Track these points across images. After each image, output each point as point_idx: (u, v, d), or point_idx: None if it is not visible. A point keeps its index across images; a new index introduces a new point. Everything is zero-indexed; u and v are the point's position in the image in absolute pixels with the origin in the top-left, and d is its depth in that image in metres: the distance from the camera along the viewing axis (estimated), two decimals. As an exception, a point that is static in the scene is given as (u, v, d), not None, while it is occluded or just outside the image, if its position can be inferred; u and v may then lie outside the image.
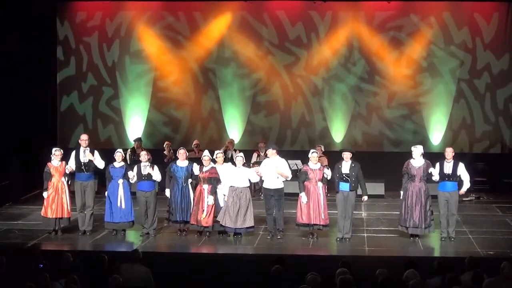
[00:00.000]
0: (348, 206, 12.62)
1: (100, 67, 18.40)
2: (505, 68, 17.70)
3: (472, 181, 16.09)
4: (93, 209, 13.20)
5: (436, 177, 12.55)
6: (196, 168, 12.92)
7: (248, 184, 12.95)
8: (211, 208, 12.73)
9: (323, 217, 12.57)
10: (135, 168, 12.99)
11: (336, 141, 18.01)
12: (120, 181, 12.87)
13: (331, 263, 9.95)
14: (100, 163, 13.21)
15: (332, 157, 15.09)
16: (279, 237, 12.78)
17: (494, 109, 17.81)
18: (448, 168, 12.56)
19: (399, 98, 17.99)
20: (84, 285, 8.44)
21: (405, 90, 17.96)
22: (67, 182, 13.11)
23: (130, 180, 12.93)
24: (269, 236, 12.82)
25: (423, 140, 17.31)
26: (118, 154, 13.06)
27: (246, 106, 18.29)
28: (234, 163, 13.18)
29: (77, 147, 13.41)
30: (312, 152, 12.86)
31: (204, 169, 12.84)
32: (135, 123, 18.39)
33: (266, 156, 14.21)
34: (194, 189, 12.94)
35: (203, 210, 12.69)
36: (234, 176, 12.77)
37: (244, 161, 13.19)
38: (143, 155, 13.12)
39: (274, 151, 12.97)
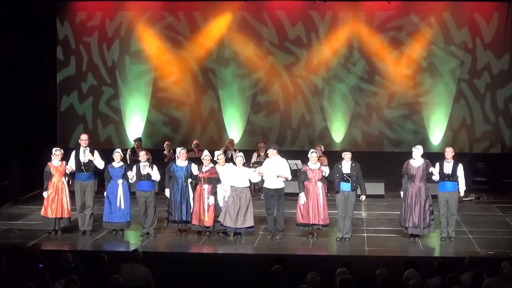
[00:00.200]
0: (349, 206, 12.62)
1: (100, 67, 18.40)
2: (505, 68, 17.70)
3: (472, 181, 16.22)
4: (93, 209, 13.20)
5: (436, 176, 12.55)
6: (194, 168, 12.91)
7: (248, 184, 12.96)
8: (212, 208, 12.74)
9: (322, 217, 12.57)
10: (134, 168, 13.00)
11: (336, 141, 18.01)
12: (120, 181, 12.87)
13: (331, 263, 9.95)
14: (100, 163, 13.21)
15: (332, 157, 15.08)
16: (278, 237, 12.78)
17: (494, 109, 17.80)
18: (448, 168, 12.55)
19: (399, 98, 17.98)
20: (84, 285, 8.44)
21: (405, 90, 17.96)
22: (68, 182, 13.11)
23: (129, 180, 12.93)
24: (269, 236, 12.82)
25: (423, 140, 17.31)
26: (117, 154, 13.06)
27: (246, 106, 18.29)
28: (234, 163, 13.18)
29: (77, 147, 13.42)
30: (312, 152, 12.86)
31: (204, 169, 12.84)
32: (135, 123, 18.39)
33: (266, 156, 14.23)
34: (194, 189, 12.94)
35: (205, 211, 12.69)
36: (234, 176, 12.77)
37: (244, 161, 13.20)
38: (142, 155, 13.13)
39: (275, 151, 12.97)
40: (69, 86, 18.47)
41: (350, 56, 18.01)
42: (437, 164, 12.63)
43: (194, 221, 12.81)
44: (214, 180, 12.79)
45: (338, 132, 18.09)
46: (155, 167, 13.03)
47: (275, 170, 12.79)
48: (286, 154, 14.16)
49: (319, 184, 12.63)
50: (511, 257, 10.92)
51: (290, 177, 12.97)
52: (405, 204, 12.57)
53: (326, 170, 12.93)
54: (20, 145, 16.58)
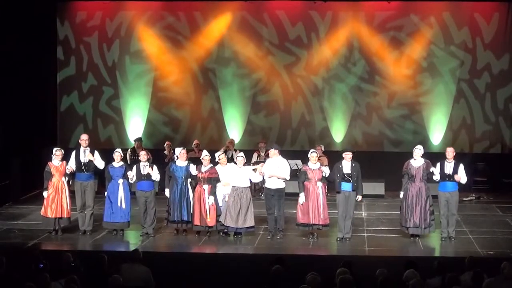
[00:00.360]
0: (349, 206, 12.62)
1: (100, 67, 18.40)
2: (505, 68, 17.69)
3: (472, 181, 16.20)
4: (93, 209, 13.20)
5: (437, 176, 12.55)
6: (193, 168, 12.91)
7: (249, 184, 12.97)
8: (213, 208, 12.74)
9: (322, 217, 12.57)
10: (134, 167, 13.00)
11: (336, 141, 18.00)
12: (120, 181, 12.87)
13: (331, 263, 9.97)
14: (100, 163, 13.21)
15: (332, 157, 15.09)
16: (279, 237, 12.78)
17: (494, 109, 17.80)
18: (448, 168, 12.55)
19: (399, 98, 17.98)
20: (84, 285, 8.44)
21: (405, 90, 17.96)
22: (68, 182, 13.11)
23: (129, 180, 12.93)
24: (269, 236, 12.82)
25: (423, 140, 17.31)
26: (117, 154, 13.07)
27: (246, 106, 18.29)
28: (235, 163, 13.19)
29: (77, 147, 13.43)
30: (312, 152, 12.87)
31: (204, 169, 12.83)
32: (135, 123, 18.38)
33: (266, 156, 14.23)
34: (193, 189, 12.94)
35: (207, 211, 12.69)
36: (235, 176, 12.77)
37: (245, 160, 13.20)
38: (143, 155, 13.14)
39: (277, 151, 12.97)
40: (69, 86, 18.47)
41: (350, 56, 18.01)
42: (438, 164, 12.63)
43: (196, 222, 12.81)
44: (213, 180, 12.80)
45: (338, 132, 18.08)
46: (155, 167, 13.04)
47: (273, 170, 12.79)
48: (286, 154, 14.15)
49: (319, 184, 12.63)
50: (511, 257, 10.91)
51: (287, 178, 12.94)
52: (405, 204, 12.57)
53: (326, 170, 12.92)
54: (20, 145, 16.58)
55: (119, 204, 12.86)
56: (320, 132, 18.14)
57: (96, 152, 13.24)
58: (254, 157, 16.65)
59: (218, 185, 12.88)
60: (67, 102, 18.47)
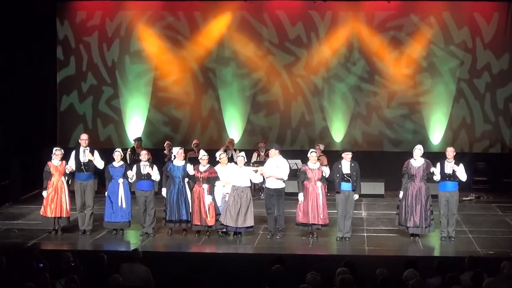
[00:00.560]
0: (349, 206, 12.62)
1: (100, 66, 18.39)
2: (505, 68, 17.69)
3: (472, 181, 16.20)
4: (93, 209, 13.20)
5: (437, 176, 12.55)
6: (190, 168, 12.90)
7: (250, 184, 12.96)
8: (213, 207, 12.74)
9: (321, 217, 12.57)
10: (135, 167, 13.00)
11: (336, 140, 18.00)
12: (120, 180, 12.87)
13: (331, 262, 9.97)
14: (99, 163, 13.21)
15: (332, 157, 15.08)
16: (278, 236, 12.78)
17: (494, 108, 17.80)
18: (449, 168, 12.55)
19: (399, 97, 17.98)
20: (84, 285, 8.44)
21: (405, 90, 17.96)
22: (68, 181, 13.11)
23: (129, 179, 12.93)
24: (269, 235, 12.82)
25: (423, 140, 17.30)
26: (117, 154, 13.07)
27: (246, 105, 18.29)
28: (234, 163, 13.18)
29: (77, 147, 13.42)
30: (311, 152, 12.86)
31: (203, 168, 12.83)
32: (135, 122, 18.38)
33: (266, 156, 14.22)
34: (191, 188, 12.93)
35: (207, 210, 12.69)
36: (236, 175, 12.77)
37: (246, 160, 13.20)
38: (144, 155, 13.12)
39: (277, 151, 12.97)
40: (69, 86, 18.46)
41: (350, 56, 18.01)
42: (438, 164, 12.63)
43: (196, 221, 12.80)
44: (212, 180, 12.80)
45: (338, 132, 18.08)
46: (155, 167, 13.03)
47: (271, 171, 12.79)
48: (286, 153, 14.16)
49: (319, 183, 12.63)
50: (511, 257, 10.91)
51: (285, 178, 12.92)
52: (405, 203, 12.57)
53: (326, 171, 12.90)
54: (20, 145, 16.58)
55: (119, 204, 12.86)
56: (320, 132, 18.14)
57: (95, 152, 13.24)
58: (254, 157, 16.65)
59: (217, 183, 12.87)
60: (67, 102, 18.47)
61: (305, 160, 13.13)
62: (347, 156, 12.69)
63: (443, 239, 12.62)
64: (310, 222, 12.59)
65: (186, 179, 12.94)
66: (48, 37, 18.01)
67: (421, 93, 17.93)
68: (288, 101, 18.21)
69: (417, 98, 17.95)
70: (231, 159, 14.79)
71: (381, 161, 17.18)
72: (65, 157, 13.15)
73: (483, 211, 15.38)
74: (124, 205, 12.87)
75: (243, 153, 13.28)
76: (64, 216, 12.97)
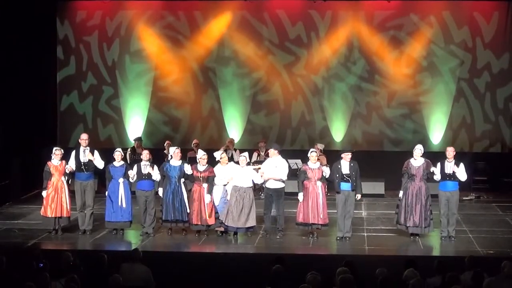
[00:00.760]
0: (349, 206, 12.63)
1: (100, 66, 18.39)
2: (505, 67, 17.69)
3: (472, 180, 16.20)
4: (93, 209, 13.21)
5: (438, 176, 12.55)
6: (188, 167, 12.89)
7: (251, 184, 12.94)
8: (212, 206, 12.74)
9: (321, 217, 12.57)
10: (135, 167, 13.00)
11: (336, 140, 18.00)
12: (121, 180, 12.88)
13: (331, 262, 9.97)
14: (99, 163, 13.21)
15: (333, 157, 15.06)
16: (278, 236, 12.78)
17: (494, 108, 17.80)
18: (449, 167, 12.55)
19: (399, 97, 17.98)
20: (84, 285, 8.44)
21: (405, 90, 17.95)
22: (68, 181, 13.11)
23: (130, 179, 12.93)
24: (264, 234, 12.81)
25: (423, 140, 17.29)
26: (117, 153, 13.07)
27: (246, 105, 18.29)
28: (235, 163, 13.17)
29: (77, 146, 13.42)
30: (311, 152, 12.86)
31: (201, 168, 12.82)
32: (135, 122, 18.38)
33: (266, 155, 14.21)
34: (187, 189, 12.90)
35: (206, 209, 12.69)
36: (238, 176, 12.76)
37: (248, 160, 13.19)
38: (145, 154, 13.10)
39: (276, 151, 12.97)
40: (69, 86, 18.46)
41: (350, 56, 18.00)
42: (438, 164, 12.63)
43: (195, 221, 12.80)
44: (212, 179, 12.80)
45: (338, 132, 18.08)
46: (155, 167, 13.02)
47: (270, 172, 12.78)
48: (286, 153, 14.17)
49: (319, 183, 12.63)
50: (511, 256, 10.91)
51: (284, 179, 12.91)
52: (405, 203, 12.57)
53: (326, 171, 12.89)
54: (20, 145, 16.58)
55: (119, 204, 12.86)
56: (320, 131, 18.13)
57: (96, 152, 13.25)
58: (254, 157, 16.64)
59: (218, 182, 12.86)
60: (67, 101, 18.46)
61: (305, 159, 13.13)
62: (346, 156, 12.69)
63: (443, 238, 12.62)
64: (310, 222, 12.60)
65: (183, 180, 12.93)
66: (48, 36, 18.00)
67: (421, 93, 17.93)
68: (288, 101, 18.20)
69: (417, 98, 17.95)
70: (231, 159, 14.78)
71: (381, 161, 17.17)
72: (65, 157, 13.15)
73: (483, 210, 15.39)
74: (124, 205, 12.87)
75: (246, 153, 13.26)
76: (65, 216, 12.98)
